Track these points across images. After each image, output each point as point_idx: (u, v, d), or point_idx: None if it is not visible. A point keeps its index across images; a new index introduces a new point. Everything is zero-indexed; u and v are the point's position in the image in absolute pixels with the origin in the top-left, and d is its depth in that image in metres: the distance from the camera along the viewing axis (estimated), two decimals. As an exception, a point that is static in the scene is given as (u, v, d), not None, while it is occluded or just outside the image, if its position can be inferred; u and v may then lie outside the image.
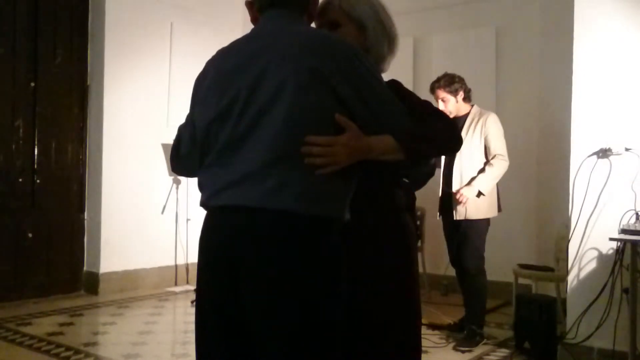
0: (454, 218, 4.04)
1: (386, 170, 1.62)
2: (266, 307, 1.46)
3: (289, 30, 1.57)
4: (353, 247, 1.56)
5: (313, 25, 1.75)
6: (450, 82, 4.06)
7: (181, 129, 1.72)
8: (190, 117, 1.67)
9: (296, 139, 1.45)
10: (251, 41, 1.59)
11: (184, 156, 1.69)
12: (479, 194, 3.96)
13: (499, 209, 4.14)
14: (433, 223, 4.49)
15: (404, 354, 1.69)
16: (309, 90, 1.46)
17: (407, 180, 1.78)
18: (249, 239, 1.47)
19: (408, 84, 6.86)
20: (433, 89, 4.12)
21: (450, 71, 4.21)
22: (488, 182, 3.99)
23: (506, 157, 4.04)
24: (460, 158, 4.05)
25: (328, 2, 1.76)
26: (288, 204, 1.44)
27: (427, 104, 1.72)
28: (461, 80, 4.09)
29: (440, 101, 4.08)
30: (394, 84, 1.72)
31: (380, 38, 1.78)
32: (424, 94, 5.81)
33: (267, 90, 1.48)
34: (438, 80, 4.12)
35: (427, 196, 4.59)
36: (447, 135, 1.64)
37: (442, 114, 1.70)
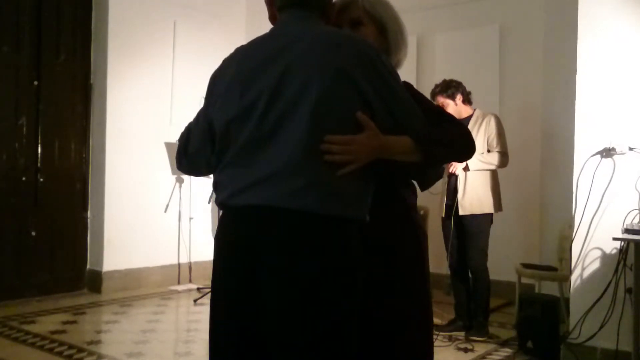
0: (459, 213, 4.08)
1: (399, 170, 1.63)
2: (288, 307, 1.45)
3: (312, 29, 1.57)
4: (369, 247, 1.57)
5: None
6: (446, 87, 4.18)
7: (191, 126, 1.70)
8: (203, 115, 1.65)
9: (321, 138, 1.45)
10: (274, 39, 1.58)
11: (192, 154, 1.67)
12: (466, 167, 4.07)
13: (500, 208, 4.17)
14: (435, 223, 4.49)
15: (417, 356, 1.72)
16: (334, 90, 1.46)
17: (414, 182, 1.79)
18: (272, 239, 1.45)
19: (411, 82, 6.84)
20: (433, 96, 4.21)
21: (453, 70, 4.33)
22: (479, 161, 4.08)
23: (507, 155, 4.13)
24: (462, 159, 4.10)
25: (351, 0, 1.76)
26: (313, 205, 1.44)
27: (442, 109, 1.75)
28: (457, 84, 4.19)
29: (440, 106, 4.12)
30: (409, 87, 1.72)
31: (399, 41, 1.80)
32: (426, 92, 5.82)
33: (292, 90, 1.47)
34: (436, 87, 4.24)
35: (430, 196, 4.60)
36: (463, 142, 1.66)
37: (457, 121, 1.72)
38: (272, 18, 1.67)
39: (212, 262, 1.64)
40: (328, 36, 1.55)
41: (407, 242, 1.70)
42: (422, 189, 1.82)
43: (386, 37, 1.78)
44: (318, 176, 1.45)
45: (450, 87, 4.16)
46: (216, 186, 1.60)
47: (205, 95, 1.67)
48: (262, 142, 1.49)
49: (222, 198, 1.56)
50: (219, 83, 1.62)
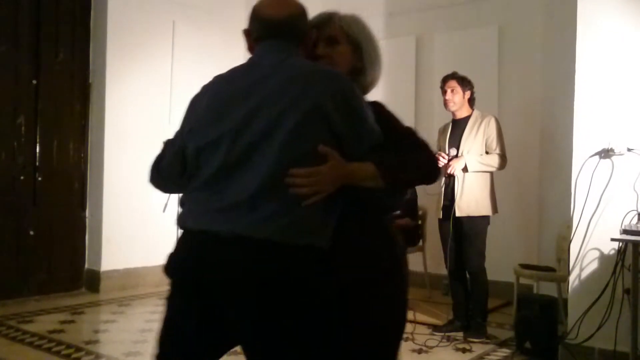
0: (455, 215, 4.08)
1: (366, 195, 1.65)
2: (251, 331, 1.51)
3: (287, 63, 1.60)
4: (344, 271, 1.61)
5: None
6: (464, 78, 4.21)
7: (167, 144, 1.74)
8: (179, 136, 1.68)
9: (287, 171, 1.49)
10: (249, 71, 1.62)
11: (164, 171, 1.73)
12: (465, 168, 4.07)
13: (496, 210, 4.19)
14: (434, 223, 4.49)
15: None
16: (305, 125, 1.51)
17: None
18: (233, 266, 1.48)
19: (410, 83, 6.91)
20: (446, 79, 4.22)
21: (452, 70, 4.31)
22: (478, 162, 4.09)
23: (505, 158, 4.13)
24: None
25: (329, 18, 1.80)
26: (274, 234, 1.48)
27: (411, 131, 1.76)
28: (472, 84, 4.23)
29: (449, 91, 4.18)
30: (377, 108, 1.75)
31: (373, 61, 1.83)
32: (426, 93, 5.85)
33: (262, 123, 1.51)
34: (453, 73, 4.24)
35: (428, 197, 4.61)
36: (426, 166, 1.70)
37: (423, 143, 1.73)
38: (250, 49, 1.70)
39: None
40: (301, 70, 1.59)
41: (384, 260, 1.72)
42: (392, 211, 1.85)
43: (361, 56, 1.80)
44: (282, 206, 1.49)
45: (466, 80, 4.20)
46: (182, 206, 1.64)
47: (183, 117, 1.70)
48: (230, 171, 1.53)
49: (185, 220, 1.60)
50: (195, 109, 1.66)
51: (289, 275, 1.49)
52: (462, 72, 4.25)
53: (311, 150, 1.51)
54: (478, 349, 3.95)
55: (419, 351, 3.90)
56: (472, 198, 4.09)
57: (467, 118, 4.19)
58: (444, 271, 4.62)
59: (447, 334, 4.19)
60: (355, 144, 1.58)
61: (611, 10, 3.55)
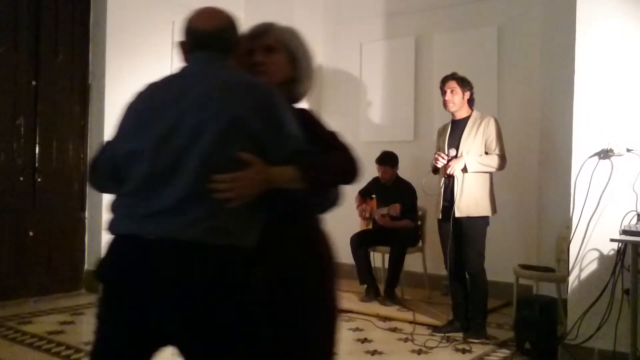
0: (455, 215, 4.07)
1: (291, 198, 1.74)
2: (182, 331, 1.58)
3: (213, 73, 1.68)
4: (271, 272, 1.72)
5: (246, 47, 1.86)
6: (464, 79, 4.21)
7: (103, 147, 1.81)
8: (112, 142, 1.76)
9: (211, 177, 1.56)
10: (177, 81, 1.71)
11: (97, 173, 1.80)
12: (465, 169, 4.07)
13: (495, 211, 4.18)
14: (433, 224, 4.49)
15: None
16: (227, 133, 1.58)
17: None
18: (162, 268, 1.54)
19: (409, 83, 6.91)
20: (446, 80, 4.22)
21: (451, 71, 4.32)
22: (477, 163, 4.08)
23: (505, 159, 4.12)
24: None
25: (267, 28, 1.91)
26: (201, 236, 1.55)
27: (334, 135, 1.85)
28: (472, 85, 4.23)
29: (449, 91, 4.17)
30: (304, 114, 1.86)
31: (307, 72, 1.95)
32: (425, 94, 5.85)
33: (187, 131, 1.58)
34: (453, 74, 4.24)
35: (428, 198, 4.61)
36: (346, 167, 1.79)
37: (345, 146, 1.82)
38: (185, 61, 1.78)
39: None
40: (225, 81, 1.67)
41: (309, 262, 1.83)
42: (321, 213, 1.94)
43: (296, 67, 1.91)
44: (208, 210, 1.56)
45: (465, 80, 4.20)
46: (112, 211, 1.69)
47: (118, 122, 1.77)
48: (158, 178, 1.59)
49: (115, 226, 1.65)
50: (126, 115, 1.73)
51: (216, 275, 1.55)
52: (461, 73, 4.25)
53: (234, 157, 1.58)
54: (478, 349, 3.95)
55: (419, 352, 3.91)
56: (471, 199, 4.09)
57: (467, 119, 4.19)
58: (443, 272, 4.62)
59: (446, 334, 4.19)
60: (276, 149, 1.65)
61: (610, 10, 3.55)
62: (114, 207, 1.69)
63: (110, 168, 1.73)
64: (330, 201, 1.90)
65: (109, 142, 1.78)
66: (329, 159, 1.76)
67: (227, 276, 1.57)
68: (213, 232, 1.56)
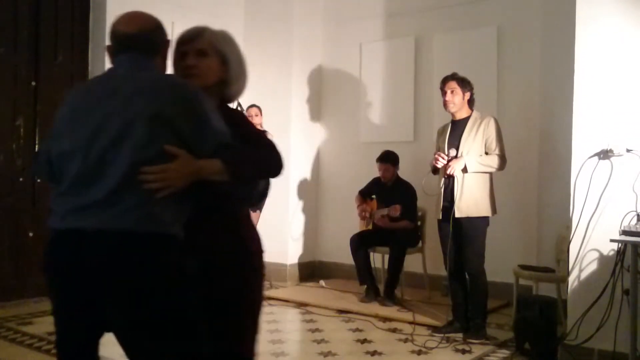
0: (455, 216, 4.07)
1: (217, 190, 1.85)
2: (120, 317, 1.71)
3: (137, 75, 1.78)
4: (202, 262, 1.84)
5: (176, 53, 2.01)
6: (464, 79, 4.20)
7: (43, 145, 1.91)
8: (47, 142, 1.87)
9: (139, 170, 1.67)
10: (103, 83, 1.82)
11: (38, 165, 1.90)
12: (465, 169, 4.06)
13: (495, 211, 4.18)
14: (433, 224, 4.49)
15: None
16: (152, 130, 1.69)
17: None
18: (98, 258, 1.65)
19: (409, 84, 6.89)
20: (446, 80, 4.22)
21: (451, 71, 4.32)
22: (477, 163, 4.08)
23: (505, 159, 4.12)
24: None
25: (199, 32, 2.01)
26: (130, 225, 1.66)
27: (261, 134, 2.04)
28: (472, 86, 4.23)
29: (449, 92, 4.17)
30: (233, 114, 2.04)
31: (238, 74, 2.07)
32: (425, 94, 5.84)
33: (114, 130, 1.69)
34: (453, 74, 4.24)
35: (428, 198, 4.60)
36: (270, 160, 1.94)
37: (270, 143, 1.98)
38: (112, 64, 1.88)
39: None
40: (149, 81, 1.77)
41: (233, 250, 1.97)
42: (249, 207, 2.13)
43: (227, 68, 2.02)
44: (138, 201, 1.67)
45: (466, 81, 4.19)
46: (51, 209, 1.81)
47: (53, 123, 1.86)
48: (89, 175, 1.70)
49: (54, 221, 1.77)
50: (59, 116, 1.83)
51: (150, 262, 1.66)
52: (461, 73, 4.25)
53: (161, 152, 1.69)
54: (477, 350, 3.95)
55: (419, 352, 3.91)
56: (471, 199, 4.09)
57: (467, 119, 4.19)
58: (443, 272, 4.62)
59: (446, 335, 4.19)
60: (200, 144, 1.75)
61: (610, 10, 3.55)
62: (52, 204, 1.80)
63: (47, 168, 1.84)
64: (260, 193, 2.02)
65: (45, 143, 1.88)
66: (252, 153, 1.91)
67: (160, 263, 1.68)
68: (144, 220, 1.66)
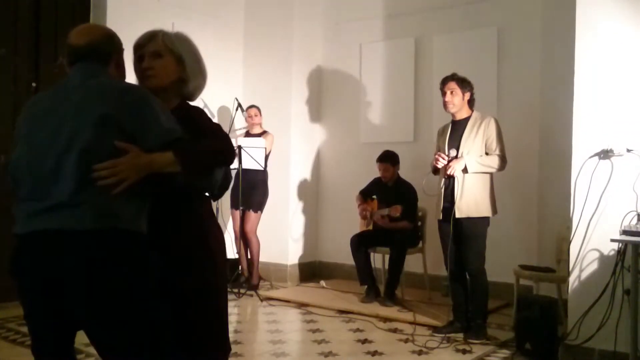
0: (455, 216, 4.07)
1: (172, 183, 1.92)
2: (85, 314, 1.77)
3: (87, 83, 1.88)
4: (165, 259, 1.91)
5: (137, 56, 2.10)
6: (464, 79, 4.20)
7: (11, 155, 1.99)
8: (13, 150, 1.94)
9: (92, 169, 1.76)
10: (57, 92, 1.92)
11: (7, 174, 1.96)
12: (465, 169, 4.06)
13: (495, 211, 4.18)
14: (434, 224, 4.49)
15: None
16: (101, 132, 1.78)
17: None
18: (63, 257, 1.72)
19: (409, 84, 6.88)
20: (446, 81, 4.22)
21: (451, 72, 4.29)
22: (477, 163, 4.08)
23: (505, 159, 4.12)
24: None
25: (154, 35, 2.10)
26: (91, 224, 1.73)
27: (215, 126, 2.11)
28: (472, 86, 4.23)
29: (448, 92, 4.17)
30: (190, 110, 2.11)
31: (195, 71, 2.14)
32: (425, 95, 5.85)
33: (66, 135, 1.78)
34: (453, 74, 4.24)
35: (428, 199, 4.60)
36: (221, 151, 2.01)
37: (223, 135, 2.09)
38: (68, 74, 1.97)
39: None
40: (100, 87, 1.87)
41: (193, 246, 2.03)
42: (213, 198, 2.18)
43: (184, 67, 2.10)
44: (94, 200, 1.75)
45: (465, 81, 4.19)
46: (15, 215, 1.87)
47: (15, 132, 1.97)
48: (46, 180, 1.78)
49: (17, 227, 1.84)
50: (18, 126, 1.94)
51: (111, 258, 1.74)
52: (461, 74, 4.25)
53: (112, 151, 1.78)
54: (478, 350, 3.95)
55: (419, 352, 3.90)
56: (471, 199, 4.09)
57: (467, 119, 4.19)
58: (444, 272, 4.62)
59: (447, 335, 4.19)
60: (149, 140, 1.83)
61: (610, 11, 3.55)
62: (15, 211, 1.87)
63: (9, 177, 1.92)
64: (218, 184, 2.08)
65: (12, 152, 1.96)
66: (202, 143, 1.96)
67: (124, 259, 1.75)
68: (104, 218, 1.74)
